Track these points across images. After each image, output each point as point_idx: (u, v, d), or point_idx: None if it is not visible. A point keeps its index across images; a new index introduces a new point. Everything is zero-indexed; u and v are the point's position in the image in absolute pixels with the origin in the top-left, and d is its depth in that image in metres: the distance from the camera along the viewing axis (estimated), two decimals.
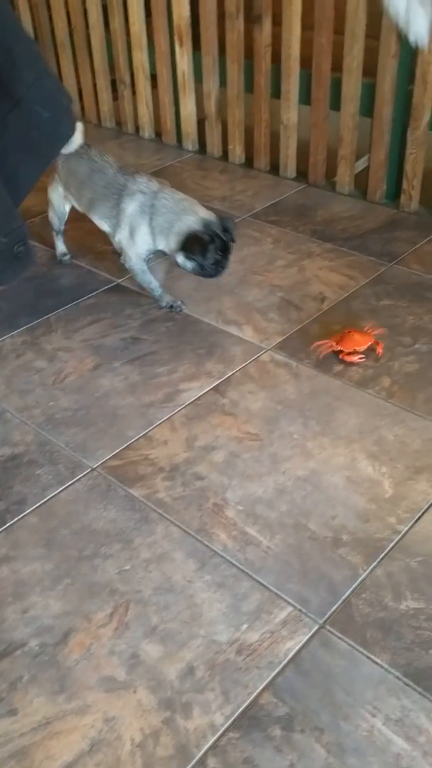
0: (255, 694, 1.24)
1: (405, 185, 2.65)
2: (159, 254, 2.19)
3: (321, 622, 1.34)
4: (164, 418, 1.81)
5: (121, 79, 3.36)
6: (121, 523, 1.55)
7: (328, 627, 1.33)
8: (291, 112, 2.84)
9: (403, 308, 2.16)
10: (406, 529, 1.50)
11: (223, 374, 1.95)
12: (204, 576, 1.44)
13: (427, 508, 1.54)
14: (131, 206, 2.08)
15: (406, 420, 1.77)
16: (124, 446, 1.74)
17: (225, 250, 2.04)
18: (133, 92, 3.36)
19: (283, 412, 1.82)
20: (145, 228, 2.07)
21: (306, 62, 2.71)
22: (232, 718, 1.21)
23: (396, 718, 1.19)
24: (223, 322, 2.16)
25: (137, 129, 3.44)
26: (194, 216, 2.02)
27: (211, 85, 3.04)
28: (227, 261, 2.07)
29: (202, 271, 2.08)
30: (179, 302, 2.20)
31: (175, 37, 3.04)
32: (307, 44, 2.66)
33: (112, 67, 3.40)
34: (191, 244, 2.00)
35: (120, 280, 2.37)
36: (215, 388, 1.90)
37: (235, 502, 1.58)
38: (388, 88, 2.53)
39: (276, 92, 2.86)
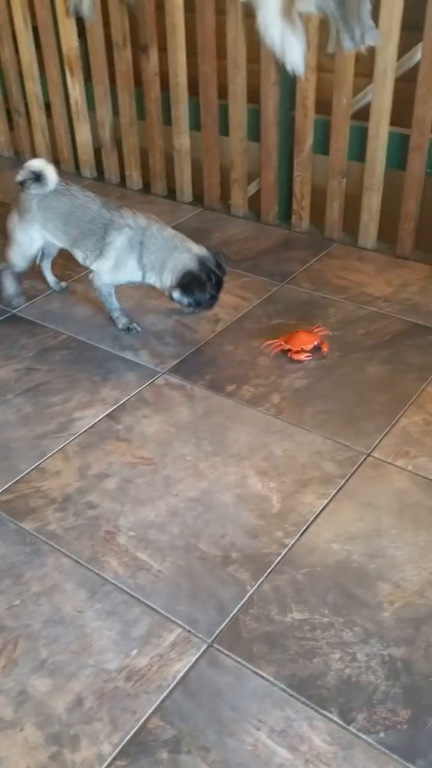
0: (143, 719, 1.25)
1: (295, 206, 2.74)
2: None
3: (209, 641, 1.36)
4: (57, 449, 1.81)
5: (15, 109, 3.36)
6: (11, 558, 1.54)
7: (216, 645, 1.36)
8: (183, 138, 2.90)
9: (292, 326, 2.22)
10: (292, 542, 1.54)
11: (118, 400, 1.97)
12: (95, 605, 1.44)
13: (313, 520, 1.59)
14: (119, 240, 2.07)
15: (294, 435, 1.82)
16: (15, 480, 1.72)
17: (219, 284, 2.10)
18: (29, 121, 3.36)
19: (177, 434, 1.85)
20: (133, 263, 2.09)
21: (195, 89, 2.78)
22: (120, 747, 1.21)
23: (280, 730, 1.22)
24: (120, 347, 2.18)
25: (35, 157, 3.43)
26: (188, 253, 2.06)
27: (104, 113, 3.08)
28: (220, 294, 2.14)
29: (197, 307, 2.13)
30: (134, 323, 2.23)
31: (66, 67, 3.07)
32: (194, 70, 2.73)
33: (6, 97, 3.39)
34: (190, 283, 2.04)
35: (15, 311, 2.36)
36: (109, 415, 1.92)
37: (127, 528, 1.59)
38: (271, 113, 2.62)
39: (168, 119, 2.92)
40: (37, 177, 2.10)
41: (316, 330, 2.15)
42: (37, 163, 2.11)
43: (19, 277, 2.37)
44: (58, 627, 1.40)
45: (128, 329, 2.22)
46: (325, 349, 2.09)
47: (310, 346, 2.06)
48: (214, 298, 2.13)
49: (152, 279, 2.10)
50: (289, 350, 2.07)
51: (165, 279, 2.08)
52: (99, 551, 1.54)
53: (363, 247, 2.63)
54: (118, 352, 2.16)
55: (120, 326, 2.23)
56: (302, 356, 2.06)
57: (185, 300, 2.10)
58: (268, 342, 2.11)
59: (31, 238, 2.22)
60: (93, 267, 2.16)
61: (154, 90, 2.87)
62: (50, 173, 2.10)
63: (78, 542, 1.57)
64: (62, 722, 1.25)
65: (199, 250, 2.08)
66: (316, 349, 2.09)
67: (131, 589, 1.46)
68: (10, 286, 2.36)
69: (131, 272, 2.11)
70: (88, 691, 1.29)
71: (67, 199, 2.14)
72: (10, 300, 2.38)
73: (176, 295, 2.09)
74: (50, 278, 2.44)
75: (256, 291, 2.42)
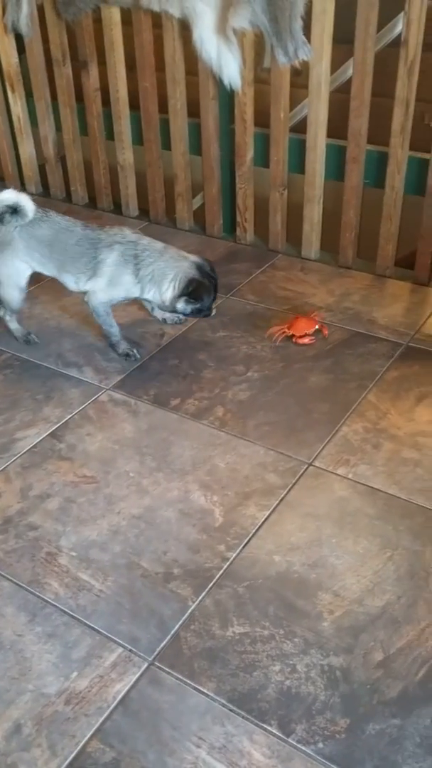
0: (82, 743, 1.24)
1: (239, 219, 2.77)
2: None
3: (150, 659, 1.36)
4: None
5: None
6: None
7: (157, 663, 1.35)
8: (126, 152, 2.91)
9: (237, 338, 2.24)
10: (234, 555, 1.55)
11: (61, 418, 1.95)
12: (35, 628, 1.42)
13: (255, 532, 1.60)
14: (111, 257, 2.04)
15: (237, 447, 1.83)
16: None
17: (216, 288, 2.11)
18: None
19: (120, 451, 1.84)
20: (129, 278, 2.05)
21: (136, 103, 2.79)
22: None
23: (220, 746, 1.22)
24: (63, 365, 2.17)
25: None
26: (186, 261, 2.05)
27: (47, 129, 3.07)
28: (216, 298, 2.14)
29: (200, 313, 2.12)
30: (135, 350, 2.17)
31: (7, 84, 3.05)
32: (134, 84, 2.74)
33: None
34: (195, 290, 2.03)
35: None
36: (52, 434, 1.90)
37: (68, 549, 1.58)
38: (212, 128, 2.64)
39: (110, 134, 2.92)
40: (14, 209, 2.04)
41: (314, 315, 2.26)
42: (9, 195, 2.03)
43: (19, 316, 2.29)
44: None
45: (128, 355, 2.16)
46: (325, 331, 2.21)
47: (311, 330, 2.18)
48: (213, 303, 2.13)
49: (151, 292, 2.06)
50: (293, 336, 2.17)
51: (166, 290, 2.04)
52: (40, 573, 1.53)
53: (306, 257, 2.67)
54: (62, 369, 2.15)
55: (119, 351, 2.17)
56: (306, 340, 2.17)
57: (189, 308, 2.07)
58: (272, 330, 2.20)
59: (18, 270, 2.15)
60: (86, 287, 2.10)
61: (96, 106, 2.87)
62: (26, 203, 2.04)
63: (19, 565, 1.55)
64: (0, 751, 1.23)
65: (194, 257, 2.09)
66: (318, 332, 2.20)
67: (72, 610, 1.45)
68: (17, 329, 2.27)
69: (128, 287, 2.07)
70: (26, 717, 1.28)
71: (49, 225, 2.10)
72: (26, 339, 2.27)
73: (181, 305, 2.06)
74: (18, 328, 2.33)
75: None
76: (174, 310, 2.11)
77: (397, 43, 2.25)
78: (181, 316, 2.28)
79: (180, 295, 2.04)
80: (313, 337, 2.18)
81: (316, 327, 2.20)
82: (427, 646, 1.36)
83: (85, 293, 2.13)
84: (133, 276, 2.06)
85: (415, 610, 1.42)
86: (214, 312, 2.17)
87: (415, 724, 1.24)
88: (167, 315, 2.31)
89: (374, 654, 1.35)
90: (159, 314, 2.32)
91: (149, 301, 2.21)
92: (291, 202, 2.66)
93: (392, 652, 1.35)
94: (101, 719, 1.27)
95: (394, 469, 1.74)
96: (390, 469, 1.74)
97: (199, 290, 2.04)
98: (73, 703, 1.29)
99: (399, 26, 2.32)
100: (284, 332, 2.19)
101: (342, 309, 2.37)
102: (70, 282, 2.13)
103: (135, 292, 2.09)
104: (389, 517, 1.62)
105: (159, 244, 2.09)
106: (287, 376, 2.07)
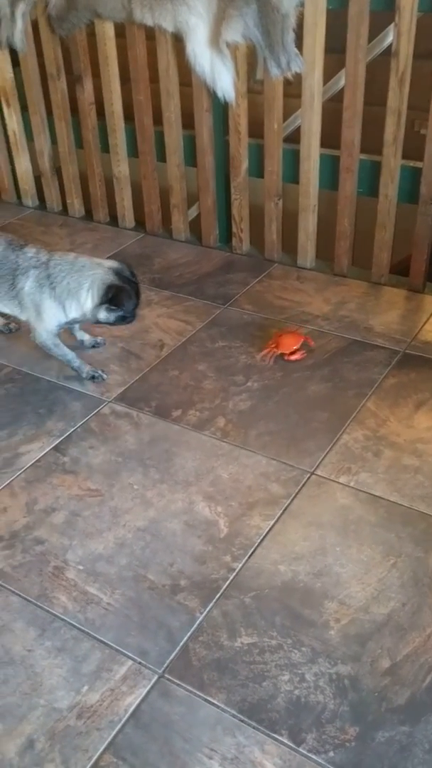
0: (96, 757, 1.25)
1: (235, 229, 2.79)
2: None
3: (160, 671, 1.37)
4: (3, 485, 1.80)
5: None
6: None
7: (167, 676, 1.37)
8: (122, 165, 2.93)
9: (236, 348, 2.26)
10: (240, 566, 1.56)
11: (64, 432, 1.97)
12: (44, 643, 1.43)
13: (260, 542, 1.62)
14: (27, 284, 2.01)
15: (239, 457, 1.85)
16: None
17: (138, 293, 2.05)
18: None
19: (124, 463, 1.85)
20: (49, 301, 2.00)
21: (130, 115, 2.81)
22: None
23: (231, 757, 1.24)
24: (64, 378, 2.18)
25: None
26: (100, 268, 1.99)
27: (42, 142, 3.09)
28: (139, 303, 2.08)
29: (125, 320, 2.06)
30: (100, 371, 2.15)
31: (2, 99, 3.07)
32: (129, 96, 2.76)
33: None
34: (116, 296, 1.96)
35: None
36: (56, 447, 1.91)
37: (75, 563, 1.59)
38: (206, 139, 2.66)
39: (105, 146, 2.94)
40: None
41: (295, 329, 2.29)
42: None
43: None
44: (8, 668, 1.39)
45: (93, 377, 2.14)
46: (311, 342, 2.23)
47: (298, 344, 2.19)
48: (136, 308, 2.07)
49: (73, 309, 2.00)
50: (283, 354, 2.17)
51: (85, 301, 1.98)
52: (48, 587, 1.54)
53: (302, 266, 2.69)
54: (63, 382, 2.16)
55: (84, 375, 2.14)
56: (297, 356, 2.17)
57: (113, 316, 2.02)
58: (263, 353, 2.19)
59: None
60: (23, 320, 2.09)
61: (91, 119, 2.90)
62: None
63: (26, 579, 1.56)
64: (14, 766, 1.24)
65: (110, 263, 2.03)
66: (305, 345, 2.21)
67: (81, 623, 1.46)
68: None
69: (53, 313, 2.02)
70: (39, 732, 1.29)
71: None
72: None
73: (103, 314, 2.01)
74: None
75: (199, 315, 2.45)
76: (98, 321, 2.05)
77: (388, 52, 2.28)
78: (98, 339, 2.27)
79: (100, 304, 1.99)
80: (303, 351, 2.18)
81: (302, 341, 2.20)
82: None
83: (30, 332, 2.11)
84: (52, 299, 2.00)
85: (420, 617, 1.44)
86: (137, 317, 2.11)
87: (424, 731, 1.26)
88: (86, 337, 2.27)
89: (381, 661, 1.36)
90: (78, 335, 2.27)
91: (74, 321, 2.11)
92: (286, 211, 2.68)
93: (399, 659, 1.37)
94: (113, 733, 1.28)
95: (395, 477, 1.76)
96: (391, 477, 1.76)
97: (119, 296, 1.97)
98: (84, 717, 1.30)
99: (389, 37, 2.35)
100: (273, 352, 2.17)
101: (338, 317, 2.39)
102: (4, 309, 2.10)
103: (62, 315, 2.03)
104: (391, 525, 1.64)
105: (70, 256, 2.04)
106: (286, 385, 2.09)
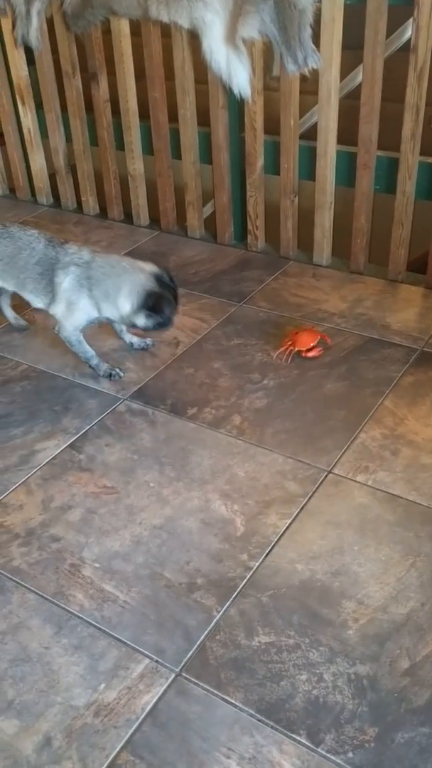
0: (113, 755, 1.24)
1: (250, 226, 2.78)
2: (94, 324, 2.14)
3: (177, 670, 1.37)
4: (19, 482, 1.80)
5: None
6: None
7: (184, 674, 1.36)
8: (136, 162, 2.93)
9: (251, 346, 2.25)
10: (257, 564, 1.55)
11: (80, 429, 1.96)
12: (61, 640, 1.43)
13: (277, 541, 1.60)
14: (67, 280, 2.00)
15: (255, 455, 1.84)
16: None
17: (177, 299, 2.04)
18: None
19: (140, 461, 1.85)
20: (85, 300, 2.00)
21: (145, 112, 2.80)
22: None
23: (249, 756, 1.23)
24: (80, 375, 2.18)
25: None
26: (142, 273, 1.98)
27: (57, 140, 3.09)
28: (178, 308, 2.07)
29: (162, 326, 2.04)
30: (117, 369, 2.15)
31: (17, 96, 3.07)
32: (144, 94, 2.76)
33: None
34: (157, 302, 1.95)
35: None
36: (71, 445, 1.91)
37: (91, 560, 1.59)
38: (222, 136, 2.65)
39: (120, 144, 2.94)
40: None
41: (312, 327, 2.27)
42: None
43: None
44: (25, 665, 1.39)
45: (110, 375, 2.13)
46: (328, 340, 2.22)
47: (315, 341, 2.17)
48: (174, 314, 2.06)
49: (110, 311, 2.01)
50: (300, 351, 2.16)
51: (123, 305, 1.97)
52: (64, 585, 1.54)
53: (318, 264, 2.67)
54: (79, 380, 2.16)
55: (101, 374, 2.14)
56: (314, 352, 2.16)
57: (151, 322, 2.00)
58: (280, 351, 2.17)
59: None
60: (51, 312, 2.08)
61: (106, 117, 2.89)
62: None
63: (43, 577, 1.56)
64: (31, 764, 1.24)
65: (151, 267, 2.02)
66: (322, 342, 2.19)
67: (97, 621, 1.46)
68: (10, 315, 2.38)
69: (87, 310, 2.02)
70: (56, 729, 1.28)
71: (9, 242, 2.07)
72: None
73: (141, 319, 1.99)
74: (9, 314, 2.40)
75: (215, 312, 2.44)
76: (134, 326, 2.04)
77: (406, 48, 2.26)
78: (147, 341, 2.25)
79: (139, 309, 1.97)
80: (320, 348, 2.17)
81: (319, 338, 2.18)
82: None
83: (55, 325, 2.12)
84: (89, 298, 2.00)
85: None
86: (174, 323, 2.09)
87: None
88: (134, 339, 2.26)
89: (400, 662, 1.35)
90: (127, 338, 2.27)
91: (115, 323, 2.13)
92: (302, 208, 2.67)
93: (418, 660, 1.35)
94: (130, 731, 1.27)
95: (413, 475, 1.75)
96: (409, 475, 1.75)
97: (159, 303, 1.96)
98: (102, 715, 1.30)
99: (408, 32, 2.33)
100: (290, 349, 2.16)
101: (355, 315, 2.37)
102: (35, 302, 2.11)
103: (95, 313, 2.04)
104: (410, 524, 1.62)
105: (113, 258, 2.04)
106: (303, 383, 2.08)
